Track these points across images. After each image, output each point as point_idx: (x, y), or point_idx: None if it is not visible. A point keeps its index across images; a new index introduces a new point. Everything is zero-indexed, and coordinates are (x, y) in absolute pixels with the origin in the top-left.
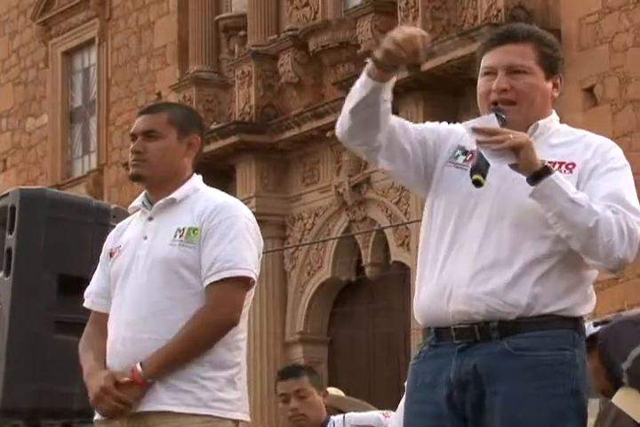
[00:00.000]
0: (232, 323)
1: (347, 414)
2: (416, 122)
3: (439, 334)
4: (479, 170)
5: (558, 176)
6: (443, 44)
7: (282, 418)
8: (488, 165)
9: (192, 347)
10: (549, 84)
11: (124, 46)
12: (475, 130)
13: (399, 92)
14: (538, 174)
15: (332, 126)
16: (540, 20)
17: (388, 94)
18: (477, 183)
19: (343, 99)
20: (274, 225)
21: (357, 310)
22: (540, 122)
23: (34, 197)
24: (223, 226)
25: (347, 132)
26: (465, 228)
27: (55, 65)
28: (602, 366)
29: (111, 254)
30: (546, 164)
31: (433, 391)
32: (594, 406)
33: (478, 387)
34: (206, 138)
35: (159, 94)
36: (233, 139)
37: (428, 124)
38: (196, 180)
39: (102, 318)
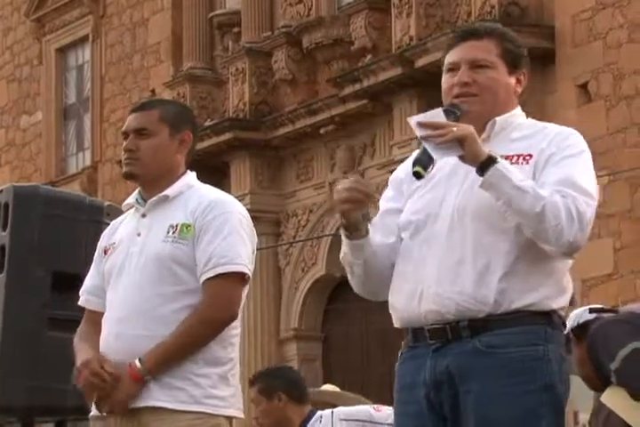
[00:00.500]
0: (231, 318)
1: (335, 409)
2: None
3: (415, 335)
4: (420, 162)
5: (504, 165)
6: (436, 41)
7: None
8: (431, 158)
9: (190, 343)
10: (512, 79)
11: (118, 43)
12: (420, 124)
13: (393, 89)
14: (484, 164)
15: (325, 123)
16: (534, 16)
17: (371, 243)
18: (417, 175)
19: (337, 96)
20: (268, 222)
21: (351, 307)
22: (498, 118)
23: (27, 194)
24: (217, 222)
25: (372, 293)
26: (432, 228)
27: (49, 62)
28: (591, 364)
29: (105, 251)
30: (490, 154)
31: (413, 392)
32: (578, 385)
33: (452, 387)
34: (200, 135)
35: (153, 91)
36: (227, 136)
37: (388, 202)
38: (190, 176)
39: (96, 317)
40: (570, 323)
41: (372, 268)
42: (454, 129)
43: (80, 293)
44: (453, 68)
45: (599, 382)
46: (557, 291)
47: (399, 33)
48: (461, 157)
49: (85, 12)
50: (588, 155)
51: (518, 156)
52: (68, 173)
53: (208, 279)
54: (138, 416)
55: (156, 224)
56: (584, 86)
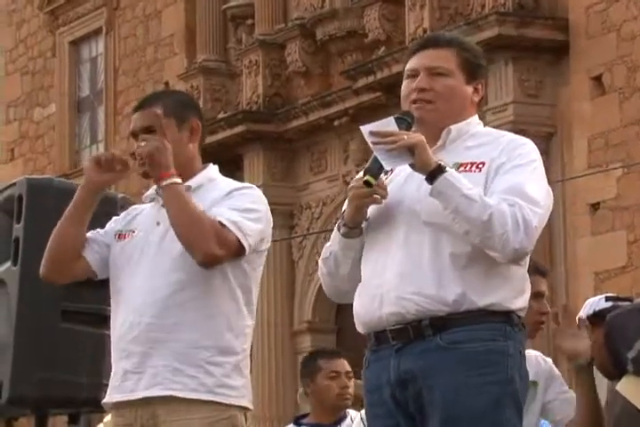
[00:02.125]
0: (206, 254)
1: (362, 412)
2: None
3: (378, 338)
4: (371, 171)
5: (452, 174)
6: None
7: (289, 407)
8: (381, 167)
9: (191, 211)
10: (469, 89)
11: (132, 35)
12: (372, 133)
13: None
14: (433, 173)
15: (339, 115)
16: (548, 8)
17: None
18: (368, 184)
19: (350, 88)
20: (281, 214)
21: None
22: (453, 126)
23: (41, 187)
24: (234, 197)
25: (345, 292)
26: (389, 232)
27: (62, 54)
28: (607, 353)
29: (120, 236)
30: (440, 162)
31: (380, 393)
32: (601, 379)
33: (417, 384)
34: (214, 127)
35: (167, 84)
36: (240, 128)
37: None
38: (212, 170)
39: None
40: (585, 310)
41: (356, 267)
42: (405, 137)
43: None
44: (413, 75)
45: (614, 371)
46: (516, 293)
47: (413, 25)
48: (412, 166)
49: (99, 5)
50: (538, 164)
51: (472, 163)
52: (81, 166)
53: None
54: (152, 407)
55: None
56: (598, 78)
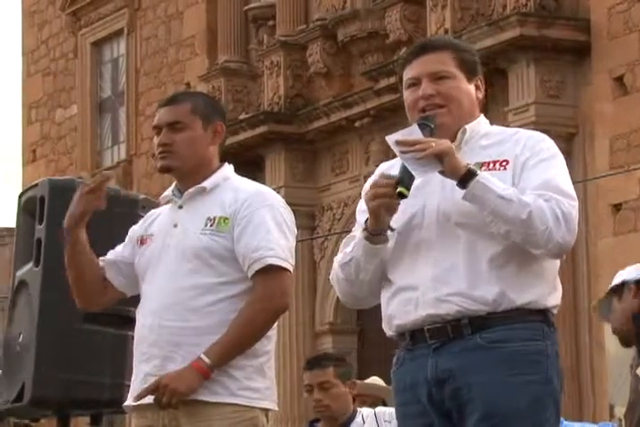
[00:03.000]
0: (283, 307)
1: (377, 409)
2: None
3: (414, 337)
4: (403, 182)
5: (484, 176)
6: (471, 34)
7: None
8: (412, 176)
9: (250, 335)
10: (472, 86)
11: (153, 36)
12: (398, 142)
13: None
14: (464, 178)
15: (360, 116)
16: (570, 8)
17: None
18: (401, 195)
19: (372, 89)
20: (303, 215)
21: None
22: (468, 126)
23: (63, 188)
24: (257, 215)
25: (363, 298)
26: (419, 236)
27: (84, 55)
28: (635, 337)
29: (141, 241)
30: (470, 166)
31: (414, 392)
32: (614, 380)
33: (455, 383)
34: (235, 128)
35: (188, 84)
36: (262, 129)
37: (364, 214)
38: (227, 169)
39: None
40: (632, 275)
41: (376, 274)
42: (432, 144)
43: (102, 259)
44: (415, 83)
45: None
46: (550, 289)
47: (434, 26)
48: (441, 172)
49: (120, 6)
50: (561, 158)
51: (494, 162)
52: (103, 167)
53: (257, 272)
54: (173, 409)
55: (193, 216)
56: (620, 79)
